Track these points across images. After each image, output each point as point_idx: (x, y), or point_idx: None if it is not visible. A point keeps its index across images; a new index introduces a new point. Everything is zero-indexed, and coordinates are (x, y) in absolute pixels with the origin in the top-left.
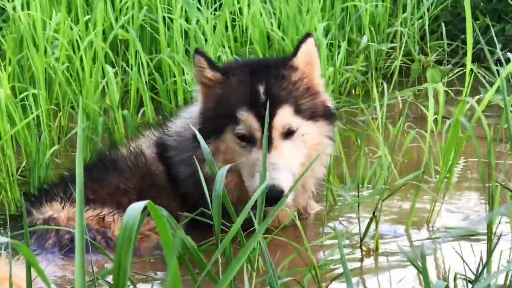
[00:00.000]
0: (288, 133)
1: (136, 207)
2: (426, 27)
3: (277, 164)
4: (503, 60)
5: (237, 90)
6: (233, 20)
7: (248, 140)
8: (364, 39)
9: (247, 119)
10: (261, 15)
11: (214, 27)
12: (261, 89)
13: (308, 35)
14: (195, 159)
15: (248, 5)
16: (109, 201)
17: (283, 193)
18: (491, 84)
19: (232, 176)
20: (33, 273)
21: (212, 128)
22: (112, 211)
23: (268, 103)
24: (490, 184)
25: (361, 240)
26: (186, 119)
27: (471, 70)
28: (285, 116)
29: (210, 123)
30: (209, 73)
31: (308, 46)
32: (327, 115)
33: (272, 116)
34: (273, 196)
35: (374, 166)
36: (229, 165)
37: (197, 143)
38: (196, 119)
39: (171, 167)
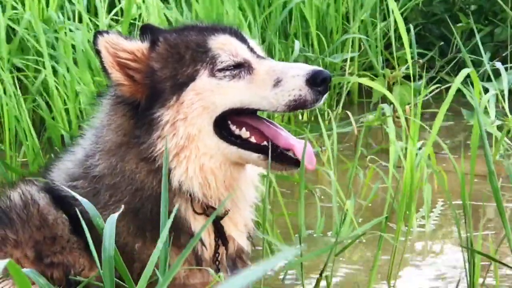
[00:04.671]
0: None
1: None
2: (392, 32)
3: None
4: (491, 73)
5: (189, 37)
6: None
7: (236, 66)
8: (297, 46)
9: (229, 45)
10: None
11: None
12: (216, 24)
13: None
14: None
15: None
16: None
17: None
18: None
19: (219, 170)
20: None
21: (171, 86)
22: None
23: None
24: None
25: None
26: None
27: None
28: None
29: (160, 88)
30: (130, 46)
31: None
32: None
33: (244, 39)
34: (327, 74)
35: (317, 212)
36: (119, 212)
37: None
38: (119, 108)
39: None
